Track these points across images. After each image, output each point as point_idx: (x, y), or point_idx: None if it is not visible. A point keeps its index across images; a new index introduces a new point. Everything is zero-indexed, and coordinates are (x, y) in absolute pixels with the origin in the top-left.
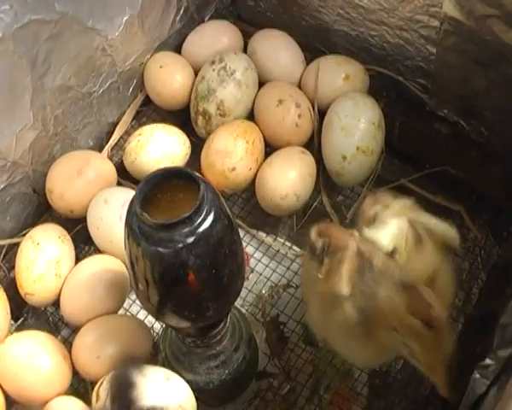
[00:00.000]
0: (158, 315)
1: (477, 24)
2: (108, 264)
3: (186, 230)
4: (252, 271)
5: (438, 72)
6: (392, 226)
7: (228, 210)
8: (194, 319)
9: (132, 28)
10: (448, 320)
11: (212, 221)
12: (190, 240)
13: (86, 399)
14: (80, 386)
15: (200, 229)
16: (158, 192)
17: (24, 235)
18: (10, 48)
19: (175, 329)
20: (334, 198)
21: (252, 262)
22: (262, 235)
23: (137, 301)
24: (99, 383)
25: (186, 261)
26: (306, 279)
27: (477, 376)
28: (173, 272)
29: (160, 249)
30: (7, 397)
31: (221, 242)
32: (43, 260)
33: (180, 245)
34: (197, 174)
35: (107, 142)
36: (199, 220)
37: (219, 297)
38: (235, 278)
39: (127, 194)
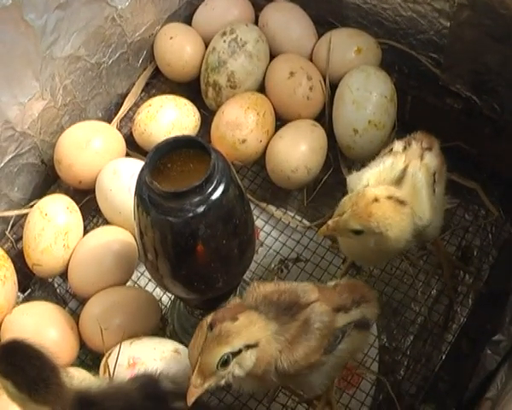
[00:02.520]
0: (167, 286)
1: None
2: (117, 235)
3: (196, 199)
4: (261, 244)
5: (451, 46)
6: (383, 165)
7: (239, 180)
8: (204, 291)
9: None
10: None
11: (223, 191)
12: (201, 209)
13: (93, 371)
14: (87, 358)
15: (211, 198)
16: (168, 162)
17: (31, 206)
18: (19, 16)
19: (184, 301)
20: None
21: (261, 236)
22: (272, 208)
23: (146, 274)
24: (107, 355)
25: (196, 231)
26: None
27: (488, 352)
28: (183, 241)
29: (170, 219)
30: None
31: (232, 212)
32: (52, 231)
33: (190, 214)
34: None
35: (116, 113)
36: (210, 189)
37: (229, 268)
38: (245, 250)
39: (136, 165)
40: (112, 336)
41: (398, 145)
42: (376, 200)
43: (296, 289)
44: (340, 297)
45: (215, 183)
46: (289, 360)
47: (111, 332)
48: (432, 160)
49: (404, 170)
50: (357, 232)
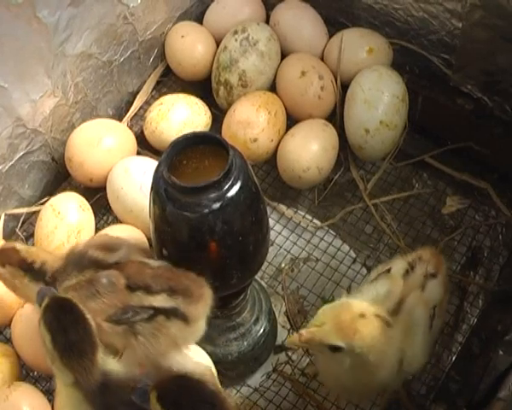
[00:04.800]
0: None
1: None
2: (128, 233)
3: (214, 195)
4: (272, 243)
5: (462, 47)
6: (376, 292)
7: (255, 178)
8: (218, 288)
9: None
10: None
11: (240, 187)
12: (217, 205)
13: None
14: None
15: (228, 194)
16: (184, 158)
17: (42, 203)
18: (32, 13)
19: None
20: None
21: (272, 235)
22: (282, 207)
23: None
24: None
25: (213, 227)
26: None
27: (500, 352)
28: (199, 237)
29: (187, 214)
30: (23, 365)
31: (248, 209)
32: (64, 229)
33: (207, 210)
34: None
35: (127, 111)
36: (227, 186)
37: (244, 266)
38: (260, 247)
39: (148, 163)
40: None
41: (399, 266)
42: (363, 315)
43: (107, 246)
44: (150, 278)
45: (232, 179)
46: None
47: None
48: (434, 291)
49: (401, 303)
50: (335, 349)
